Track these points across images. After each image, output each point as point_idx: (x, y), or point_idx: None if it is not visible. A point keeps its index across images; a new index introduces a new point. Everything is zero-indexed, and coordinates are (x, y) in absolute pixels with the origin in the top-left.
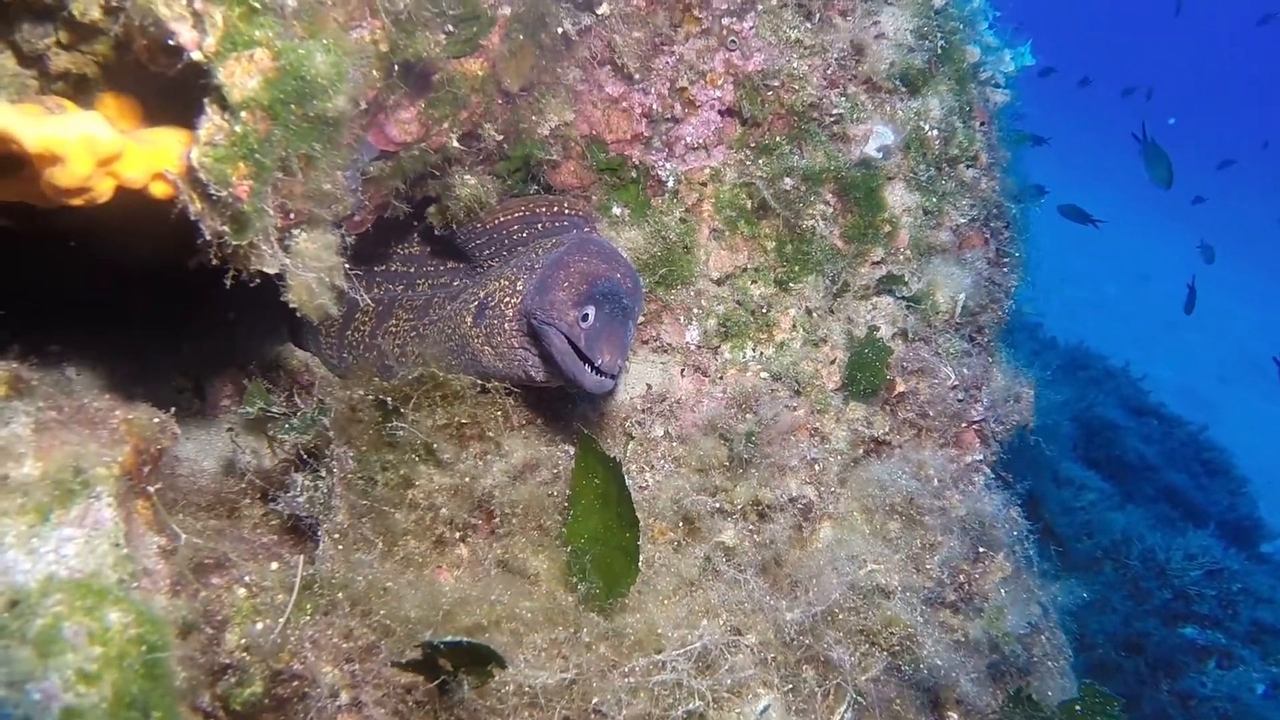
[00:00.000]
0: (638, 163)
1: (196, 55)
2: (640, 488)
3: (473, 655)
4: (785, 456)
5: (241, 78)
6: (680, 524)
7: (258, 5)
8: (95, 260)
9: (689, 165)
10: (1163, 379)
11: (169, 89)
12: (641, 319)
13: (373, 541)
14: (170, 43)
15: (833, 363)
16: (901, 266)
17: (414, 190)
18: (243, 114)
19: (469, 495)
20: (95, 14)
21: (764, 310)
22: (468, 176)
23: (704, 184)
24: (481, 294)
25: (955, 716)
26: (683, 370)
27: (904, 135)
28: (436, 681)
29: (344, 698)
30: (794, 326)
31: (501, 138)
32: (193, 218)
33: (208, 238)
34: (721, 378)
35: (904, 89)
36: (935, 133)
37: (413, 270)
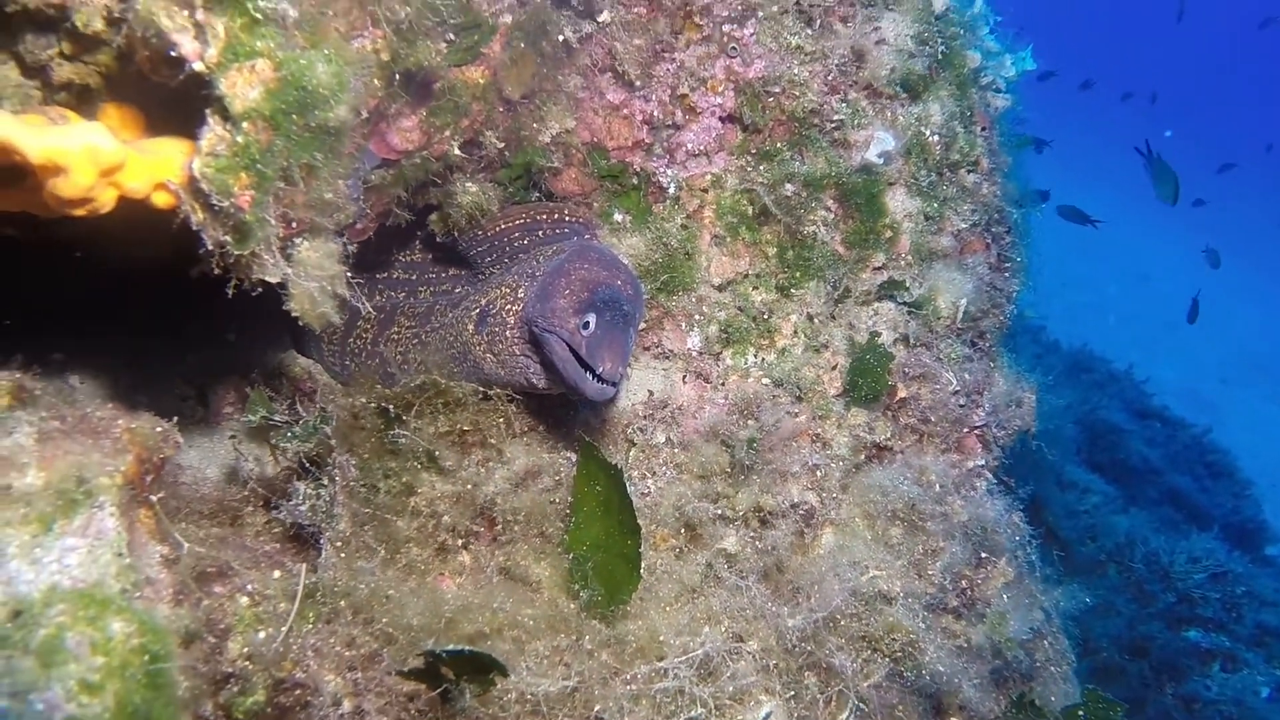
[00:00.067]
0: (639, 169)
1: (198, 66)
2: (642, 494)
3: (475, 663)
4: (787, 462)
5: (243, 88)
6: (682, 530)
7: (259, 16)
8: (98, 268)
9: (690, 172)
10: (1165, 381)
11: (171, 99)
12: (643, 325)
13: (375, 549)
14: (172, 54)
15: (834, 368)
16: (903, 272)
17: (416, 198)
18: (244, 124)
19: (471, 502)
20: (98, 25)
21: (765, 316)
22: (469, 184)
23: (705, 190)
24: (483, 301)
25: None
26: (684, 377)
27: (905, 141)
28: (439, 690)
29: (346, 706)
30: (795, 332)
31: (503, 145)
32: (195, 228)
33: (210, 247)
34: (723, 384)
35: (905, 95)
36: (936, 138)
37: (414, 277)
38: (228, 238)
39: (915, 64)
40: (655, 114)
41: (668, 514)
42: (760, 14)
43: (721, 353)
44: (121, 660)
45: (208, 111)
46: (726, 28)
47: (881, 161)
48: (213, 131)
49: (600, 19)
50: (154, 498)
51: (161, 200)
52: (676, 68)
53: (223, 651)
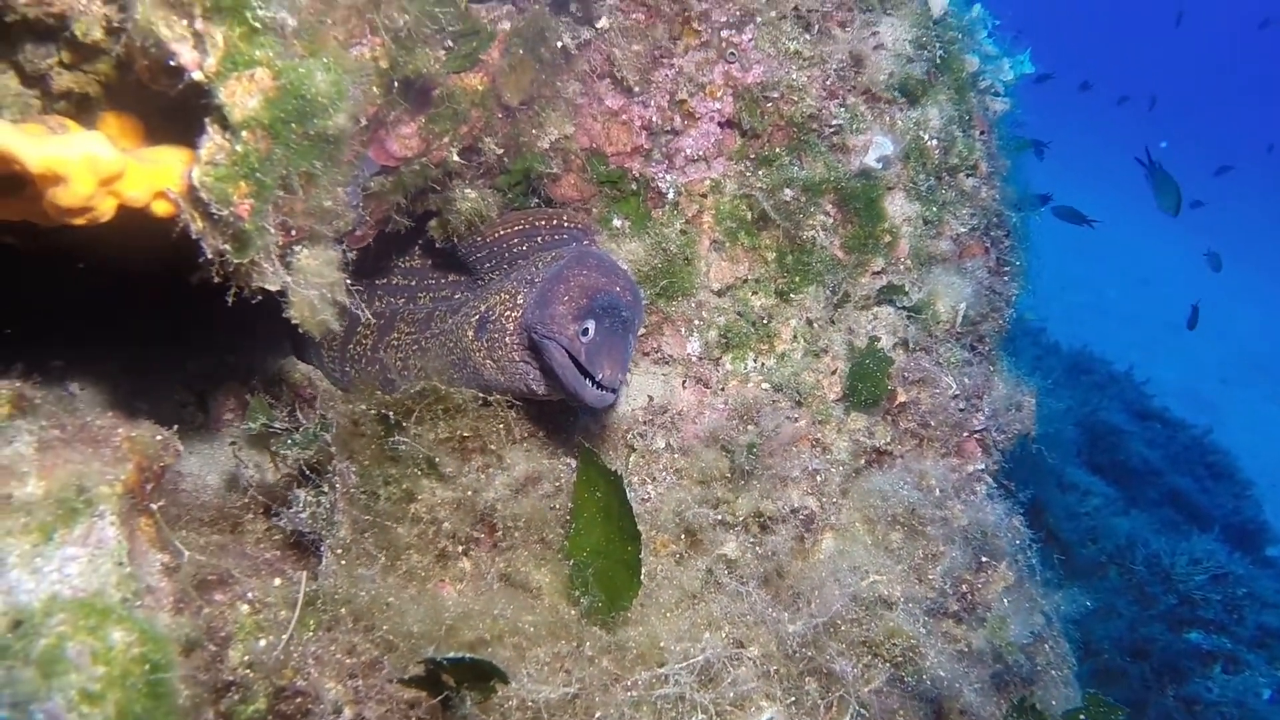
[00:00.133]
0: (638, 175)
1: (198, 75)
2: (642, 500)
3: (475, 671)
4: (787, 468)
5: (242, 97)
6: (682, 536)
7: (258, 25)
8: (98, 275)
9: (689, 177)
10: (1165, 381)
11: (170, 108)
12: (642, 331)
13: (375, 556)
14: (171, 63)
15: (834, 373)
16: (902, 276)
17: (415, 205)
18: (244, 133)
19: (471, 509)
20: (97, 34)
21: (765, 321)
22: (468, 190)
23: (704, 195)
24: (483, 308)
25: None
26: (684, 382)
27: (903, 145)
28: (440, 697)
29: (347, 714)
30: (795, 337)
31: (502, 151)
32: (194, 236)
33: (209, 256)
34: (723, 389)
35: (903, 99)
36: (935, 142)
37: (414, 283)
38: (227, 246)
39: (913, 69)
40: (654, 120)
41: (668, 520)
42: (758, 20)
43: (721, 358)
44: (122, 670)
45: (207, 120)
46: (725, 33)
47: (880, 166)
48: (212, 140)
49: (599, 25)
50: (154, 506)
51: (161, 209)
52: (675, 73)
53: (223, 660)
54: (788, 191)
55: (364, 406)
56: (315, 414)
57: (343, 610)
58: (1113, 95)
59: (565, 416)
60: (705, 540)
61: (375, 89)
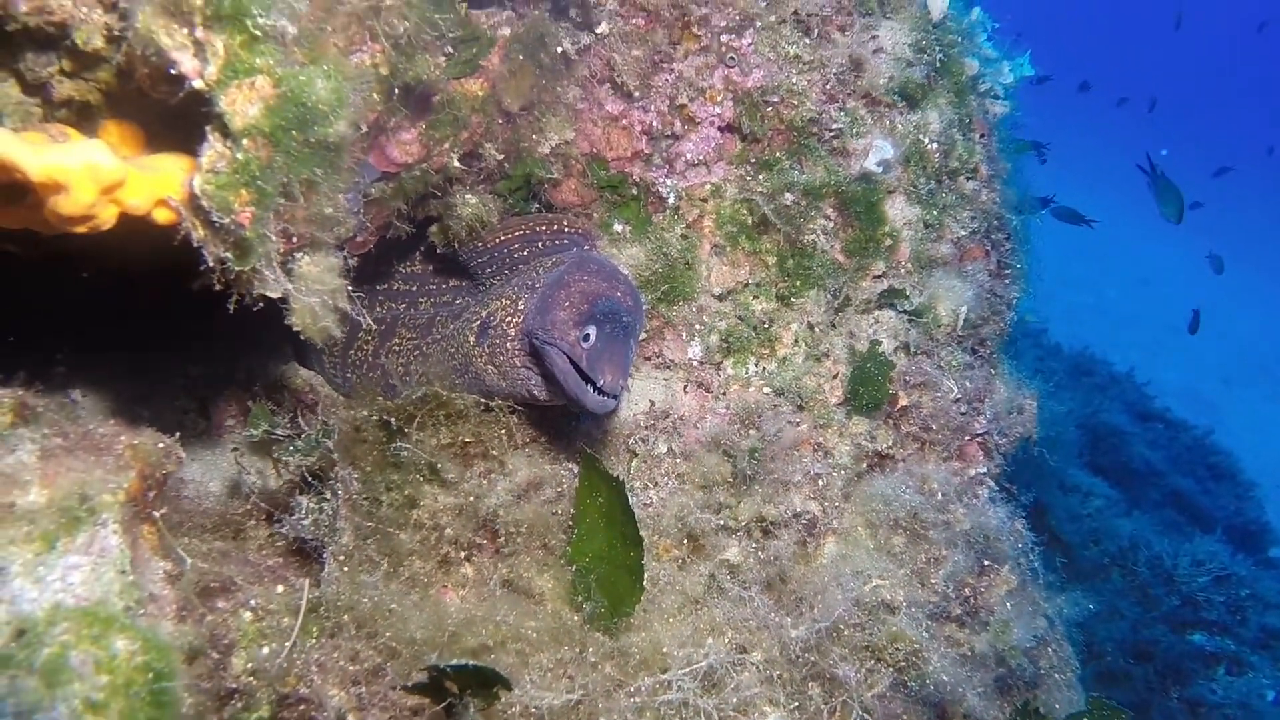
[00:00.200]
0: (638, 180)
1: (198, 83)
2: (644, 505)
3: (479, 677)
4: (789, 472)
5: (243, 105)
6: (685, 541)
7: (258, 33)
8: (99, 281)
9: (689, 181)
10: (1166, 382)
11: (171, 116)
12: (643, 336)
13: (378, 562)
14: (172, 71)
15: (835, 377)
16: (903, 280)
17: (416, 210)
18: (245, 141)
19: (473, 515)
20: (98, 43)
21: (766, 325)
22: (469, 196)
23: (705, 200)
24: (484, 313)
25: None
26: (685, 386)
27: (904, 149)
28: (443, 704)
29: None
30: (796, 341)
31: (502, 157)
32: (196, 244)
33: (211, 264)
34: (724, 393)
35: (903, 103)
36: (935, 146)
37: (415, 289)
38: (229, 254)
39: (913, 72)
40: (654, 124)
41: (670, 525)
42: (758, 24)
43: (722, 362)
44: (126, 679)
45: (208, 128)
46: (725, 38)
47: (880, 170)
48: (213, 148)
49: (598, 30)
50: (157, 514)
51: (162, 217)
52: (675, 78)
53: (226, 667)
54: (788, 196)
55: (366, 413)
56: (317, 420)
57: (345, 617)
58: (1112, 97)
59: (567, 422)
60: (708, 545)
61: (376, 96)
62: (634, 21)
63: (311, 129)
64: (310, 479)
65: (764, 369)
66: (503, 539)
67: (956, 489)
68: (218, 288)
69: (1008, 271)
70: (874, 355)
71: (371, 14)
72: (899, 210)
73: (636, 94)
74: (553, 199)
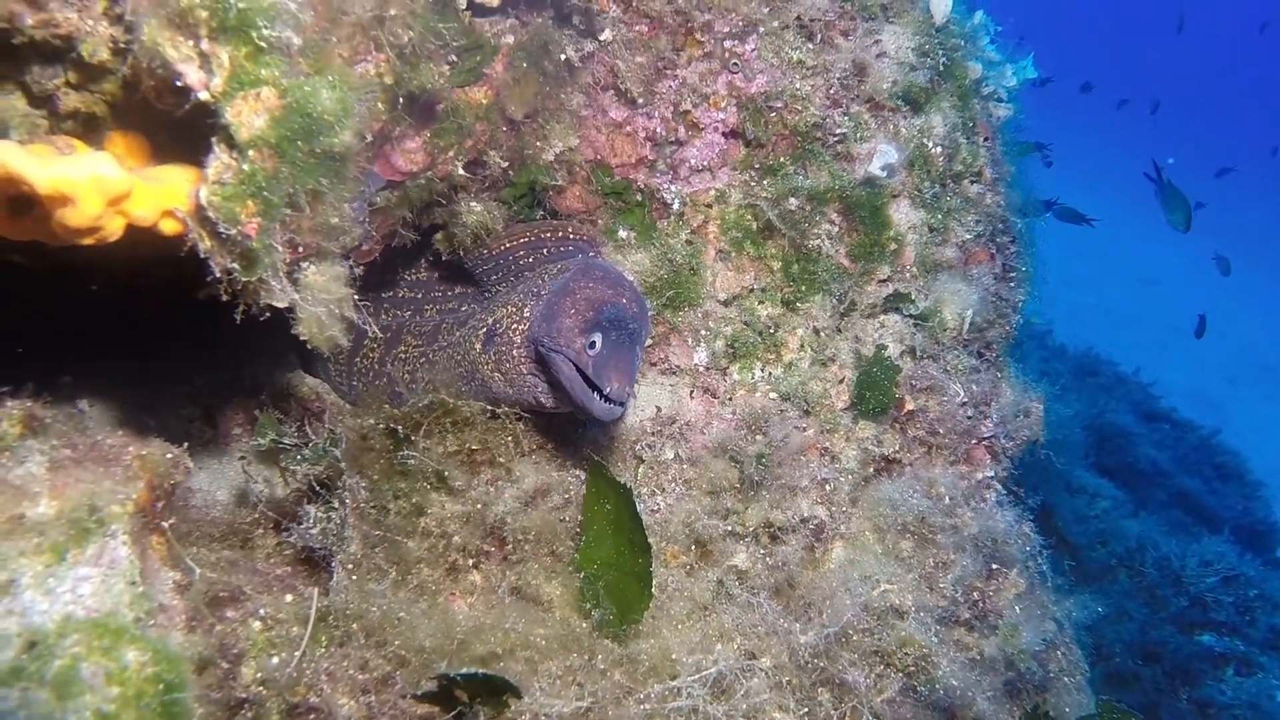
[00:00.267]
0: (643, 186)
1: (204, 95)
2: (651, 511)
3: (488, 686)
4: (796, 477)
5: (249, 116)
6: (692, 547)
7: (263, 45)
8: (104, 291)
9: (694, 187)
10: (1172, 383)
11: (177, 127)
12: (649, 342)
13: (386, 571)
14: (178, 83)
15: (841, 382)
16: (908, 284)
17: (421, 219)
18: (250, 152)
19: (481, 522)
20: (104, 55)
21: (772, 330)
22: (474, 204)
23: (709, 206)
24: (490, 320)
25: None
26: (691, 392)
27: (908, 153)
28: (453, 713)
29: None
30: (802, 346)
31: (507, 164)
32: (202, 255)
33: (217, 274)
34: (730, 399)
35: (907, 107)
36: (939, 149)
37: (420, 296)
38: (235, 265)
39: (917, 76)
40: (658, 130)
41: (678, 531)
42: (761, 30)
43: (728, 368)
44: (137, 690)
45: (214, 140)
46: (728, 44)
47: (885, 174)
48: (219, 159)
49: (602, 37)
50: (165, 524)
51: (169, 228)
52: (679, 84)
53: (236, 677)
54: (793, 201)
55: (372, 421)
56: (324, 428)
57: (354, 626)
58: (1114, 98)
59: (573, 428)
60: (715, 551)
61: (380, 105)
62: (637, 28)
63: (317, 139)
64: (318, 487)
65: (770, 374)
66: (510, 546)
67: (964, 493)
68: (225, 298)
69: (1013, 274)
70: (880, 360)
71: (376, 24)
72: (903, 214)
73: (640, 100)
74: (557, 206)
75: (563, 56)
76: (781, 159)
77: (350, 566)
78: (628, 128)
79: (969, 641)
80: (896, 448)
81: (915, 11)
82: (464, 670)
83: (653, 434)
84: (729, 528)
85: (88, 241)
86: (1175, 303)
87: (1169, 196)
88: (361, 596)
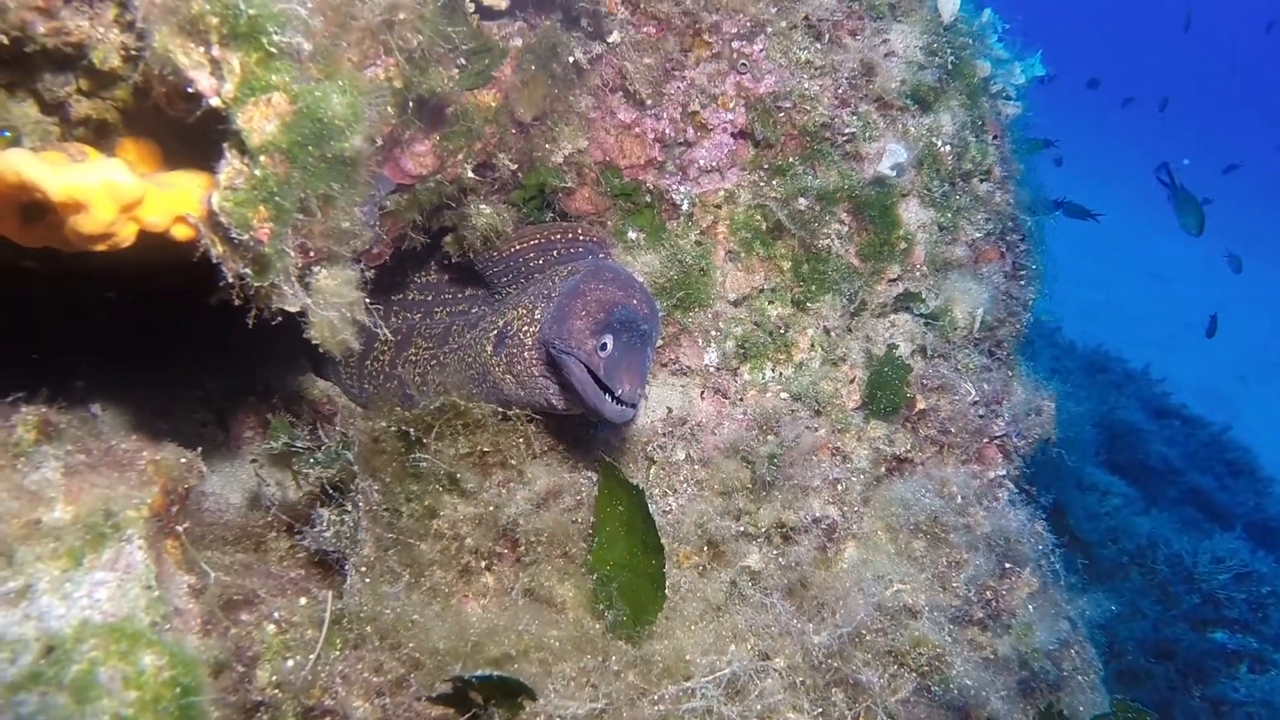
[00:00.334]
0: (652, 187)
1: (215, 101)
2: (663, 512)
3: (503, 688)
4: (807, 477)
5: (260, 122)
6: (705, 548)
7: (274, 50)
8: (116, 294)
9: (703, 188)
10: (1182, 379)
11: (188, 132)
12: (660, 342)
13: (399, 573)
14: (189, 89)
15: (852, 381)
16: (918, 283)
17: (431, 221)
18: (262, 158)
19: (493, 524)
20: (115, 62)
21: (782, 331)
22: (483, 206)
23: (718, 206)
24: (501, 323)
25: None
26: (702, 392)
27: (917, 152)
28: (468, 715)
29: None
30: (812, 346)
31: (516, 167)
32: (215, 260)
33: (230, 279)
34: (741, 399)
35: (915, 106)
36: (948, 148)
37: (430, 298)
38: (248, 270)
39: (925, 75)
40: (667, 132)
41: (690, 531)
42: (769, 30)
43: (739, 368)
44: (154, 694)
45: (225, 145)
46: (736, 44)
47: (894, 173)
48: (230, 165)
49: (610, 40)
50: (180, 528)
51: (181, 233)
52: (687, 85)
53: (252, 680)
54: (802, 201)
55: (384, 423)
56: (336, 431)
57: (368, 628)
58: (1121, 95)
59: (585, 429)
60: (728, 552)
61: (390, 109)
62: (645, 30)
63: (328, 144)
64: (330, 490)
65: (781, 374)
66: (523, 548)
67: (976, 492)
68: (237, 303)
69: (1023, 273)
70: (891, 359)
71: (385, 28)
72: (913, 213)
73: (649, 102)
74: (567, 208)
75: (571, 59)
76: (790, 159)
77: (363, 569)
78: (636, 129)
79: (982, 641)
80: (908, 447)
81: (923, 10)
82: (479, 672)
83: (664, 435)
84: (741, 528)
85: (100, 248)
86: (1185, 299)
87: (1181, 200)
88: (375, 599)
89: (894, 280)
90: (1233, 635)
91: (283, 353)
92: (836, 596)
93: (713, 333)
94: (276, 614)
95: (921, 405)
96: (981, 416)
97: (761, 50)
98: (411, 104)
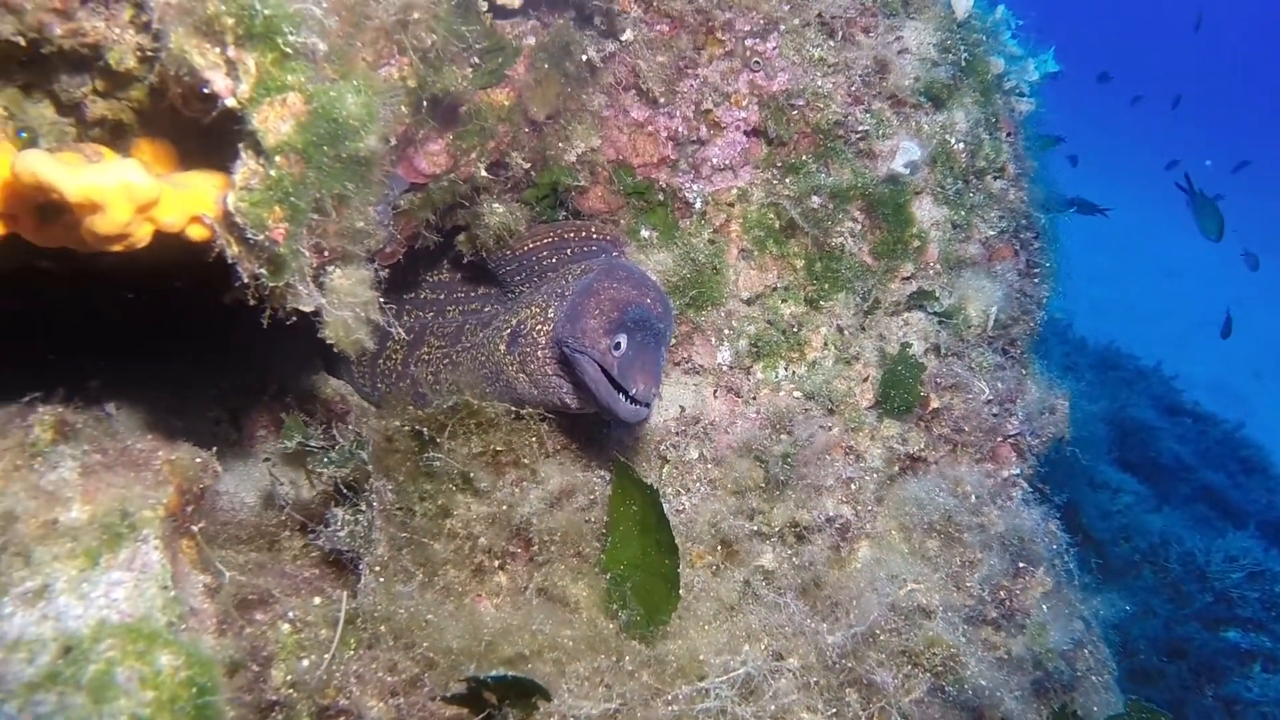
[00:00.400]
0: (665, 185)
1: (231, 102)
2: (677, 511)
3: (517, 688)
4: (821, 476)
5: (275, 122)
6: (718, 547)
7: (289, 51)
8: (131, 293)
9: (716, 186)
10: (1195, 376)
11: (203, 132)
12: (673, 341)
13: (413, 573)
14: (205, 90)
15: (866, 380)
16: (932, 281)
17: (444, 220)
18: (277, 158)
19: (506, 523)
20: (131, 63)
21: (795, 329)
22: (496, 205)
23: (731, 204)
24: (514, 321)
25: None
26: (715, 391)
27: (930, 149)
28: (482, 715)
29: None
30: (826, 345)
31: (529, 165)
32: (230, 261)
33: (245, 279)
34: (754, 398)
35: (929, 103)
36: (961, 146)
37: (442, 297)
38: (263, 270)
39: (939, 72)
40: (680, 130)
41: (703, 531)
42: (782, 27)
43: (752, 367)
44: (171, 694)
45: (241, 146)
46: (749, 42)
47: (908, 171)
48: (246, 166)
49: (623, 38)
50: (195, 528)
51: (196, 234)
52: (700, 83)
53: (266, 680)
54: (815, 199)
55: (397, 423)
56: (349, 430)
57: (382, 628)
58: (1132, 90)
59: (598, 428)
60: (741, 551)
61: (404, 108)
62: (658, 28)
63: (343, 144)
64: (344, 490)
65: (794, 373)
66: (536, 547)
67: (990, 491)
68: (251, 302)
69: (1037, 270)
70: (904, 358)
71: (399, 28)
72: (927, 211)
73: (662, 100)
74: (580, 206)
75: (584, 57)
76: (804, 157)
77: (377, 569)
78: (649, 127)
79: (996, 641)
80: (922, 446)
81: (936, 7)
82: (494, 673)
83: (677, 434)
84: (755, 528)
85: (116, 248)
86: (1197, 295)
87: (1201, 206)
88: (389, 598)
89: (908, 278)
90: (1246, 634)
91: (295, 351)
92: (850, 596)
93: (726, 331)
94: (291, 613)
95: (935, 404)
96: (995, 415)
97: (775, 48)
98: (425, 103)
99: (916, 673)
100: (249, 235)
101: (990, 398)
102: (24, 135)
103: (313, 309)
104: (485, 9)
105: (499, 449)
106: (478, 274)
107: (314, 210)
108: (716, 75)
